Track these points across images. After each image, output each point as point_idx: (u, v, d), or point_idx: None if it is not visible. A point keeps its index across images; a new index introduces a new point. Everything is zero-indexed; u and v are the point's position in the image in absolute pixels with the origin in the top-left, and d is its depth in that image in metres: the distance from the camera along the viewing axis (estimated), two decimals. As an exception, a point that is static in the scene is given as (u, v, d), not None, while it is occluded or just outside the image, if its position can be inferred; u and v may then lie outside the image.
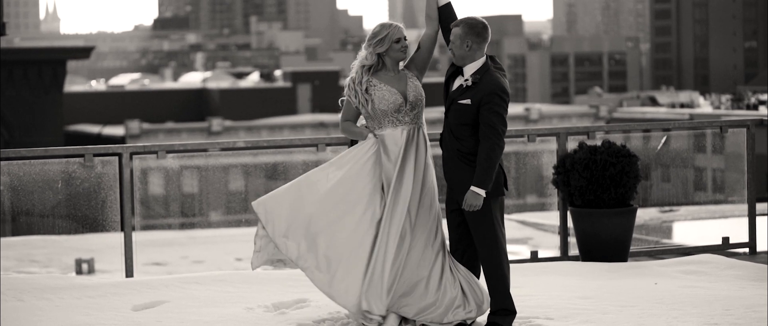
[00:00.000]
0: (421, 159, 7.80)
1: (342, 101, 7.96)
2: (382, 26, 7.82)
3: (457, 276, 7.78)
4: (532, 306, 8.50)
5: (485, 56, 7.78)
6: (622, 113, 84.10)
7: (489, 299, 7.79)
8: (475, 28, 7.73)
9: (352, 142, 8.11)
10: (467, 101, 7.65)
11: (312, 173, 7.85)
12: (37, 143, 47.90)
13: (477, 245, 7.78)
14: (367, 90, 7.77)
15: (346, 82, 7.93)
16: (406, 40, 7.84)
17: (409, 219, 7.73)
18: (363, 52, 7.84)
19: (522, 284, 9.05)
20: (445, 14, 7.97)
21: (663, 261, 10.60)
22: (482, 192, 7.58)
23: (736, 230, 12.13)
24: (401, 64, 7.90)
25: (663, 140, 12.27)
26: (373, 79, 7.79)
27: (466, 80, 7.72)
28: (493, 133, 7.58)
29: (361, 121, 7.97)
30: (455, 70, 7.85)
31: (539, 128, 11.45)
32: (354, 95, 7.82)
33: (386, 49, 7.78)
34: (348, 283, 7.70)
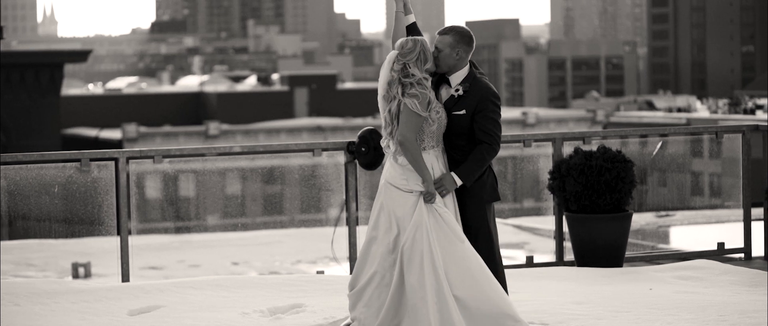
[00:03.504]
0: None
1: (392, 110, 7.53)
2: (415, 42, 7.56)
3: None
4: (527, 311, 8.51)
5: (468, 64, 7.77)
6: (620, 117, 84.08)
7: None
8: (466, 36, 7.72)
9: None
10: (462, 111, 7.64)
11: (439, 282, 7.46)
12: (35, 146, 47.89)
13: (472, 251, 7.79)
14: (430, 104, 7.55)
15: (415, 94, 7.46)
16: None
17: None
18: (397, 68, 7.50)
19: (517, 289, 9.06)
20: (414, 33, 7.95)
21: (658, 267, 10.62)
22: (459, 183, 7.60)
23: (732, 235, 12.15)
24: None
25: (659, 145, 12.29)
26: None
27: (457, 90, 7.70)
28: (490, 138, 7.60)
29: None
30: (438, 80, 7.78)
31: (535, 133, 11.47)
32: (426, 107, 7.48)
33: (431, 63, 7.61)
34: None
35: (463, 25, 7.84)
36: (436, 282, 7.42)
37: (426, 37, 7.83)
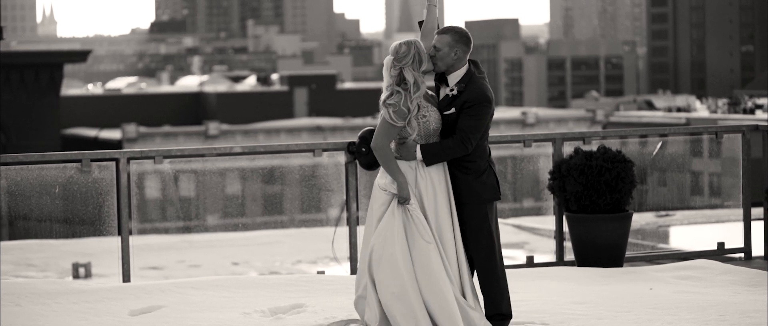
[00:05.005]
0: None
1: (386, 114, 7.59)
2: (409, 45, 7.57)
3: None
4: (527, 311, 8.53)
5: (467, 64, 7.79)
6: (619, 117, 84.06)
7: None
8: (465, 37, 7.74)
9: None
10: (452, 110, 7.67)
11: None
12: (34, 147, 47.87)
13: (473, 250, 7.81)
14: (418, 109, 7.59)
15: (391, 103, 7.53)
16: None
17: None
18: (394, 73, 7.54)
19: (517, 289, 9.08)
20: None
21: (658, 267, 10.64)
22: (419, 157, 7.60)
23: (732, 235, 12.17)
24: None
25: (659, 146, 12.31)
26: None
27: (452, 90, 7.72)
28: (462, 135, 7.60)
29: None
30: (438, 79, 7.82)
31: (535, 134, 11.50)
32: (404, 118, 7.52)
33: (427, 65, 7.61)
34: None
35: (461, 25, 7.87)
36: (406, 282, 7.47)
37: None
